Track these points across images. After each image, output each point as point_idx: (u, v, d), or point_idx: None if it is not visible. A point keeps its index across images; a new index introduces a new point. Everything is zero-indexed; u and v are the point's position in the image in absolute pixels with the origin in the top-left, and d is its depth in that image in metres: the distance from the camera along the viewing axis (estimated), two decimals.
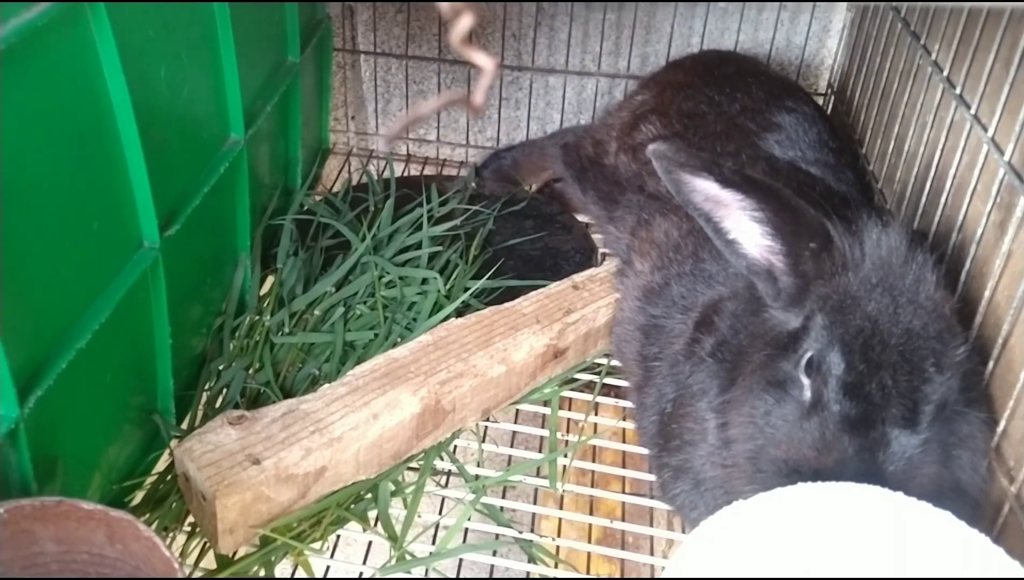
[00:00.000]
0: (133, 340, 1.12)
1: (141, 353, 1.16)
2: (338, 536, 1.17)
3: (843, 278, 0.99)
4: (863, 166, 1.63)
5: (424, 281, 1.47)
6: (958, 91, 1.24)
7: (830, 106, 1.93)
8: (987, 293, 1.09)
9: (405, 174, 2.03)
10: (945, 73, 1.29)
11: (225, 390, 1.31)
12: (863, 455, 0.90)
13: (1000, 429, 1.04)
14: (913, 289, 0.97)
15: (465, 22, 0.39)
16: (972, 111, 1.19)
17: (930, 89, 1.36)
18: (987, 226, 1.11)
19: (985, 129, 1.14)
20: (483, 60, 0.42)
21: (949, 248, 1.19)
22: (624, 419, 1.38)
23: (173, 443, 1.18)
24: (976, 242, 1.13)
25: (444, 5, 0.37)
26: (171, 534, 1.12)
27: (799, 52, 1.95)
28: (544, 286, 1.45)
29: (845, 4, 1.89)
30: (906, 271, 0.98)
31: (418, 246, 1.56)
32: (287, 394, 1.29)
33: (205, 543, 1.11)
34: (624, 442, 1.36)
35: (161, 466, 1.20)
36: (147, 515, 1.14)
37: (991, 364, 1.07)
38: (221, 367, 1.34)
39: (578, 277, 1.48)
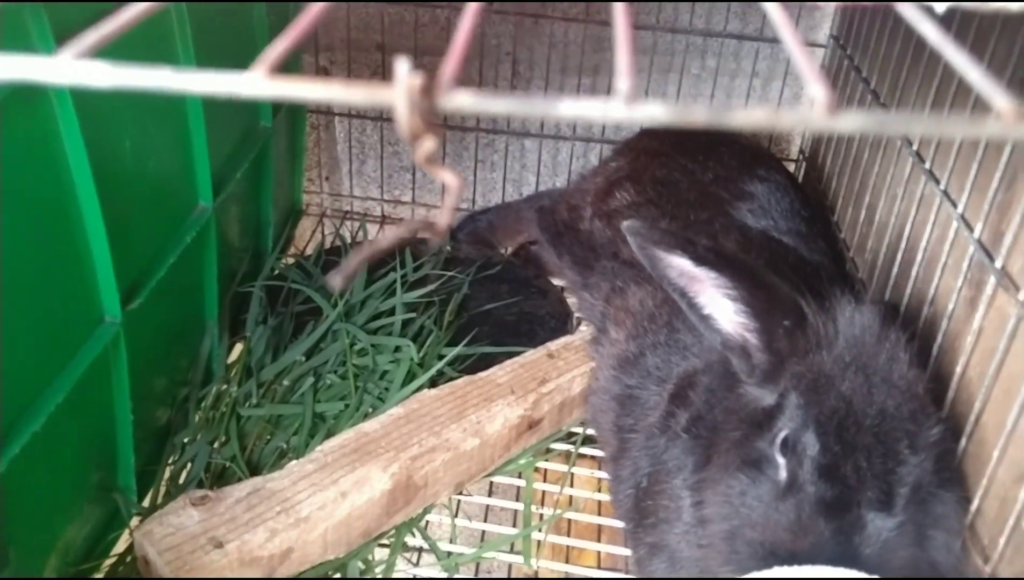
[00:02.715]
0: (93, 417, 1.09)
1: (101, 430, 1.12)
2: None
3: (817, 356, 0.98)
4: (835, 234, 1.64)
5: (397, 349, 1.45)
6: (928, 165, 1.25)
7: (801, 173, 1.95)
8: (959, 369, 1.08)
9: (379, 236, 2.02)
10: (915, 147, 1.31)
11: (189, 465, 1.27)
12: (839, 538, 0.89)
13: (974, 508, 1.03)
14: (886, 368, 0.96)
15: (428, 144, 0.38)
16: (942, 186, 1.19)
17: (900, 162, 1.37)
18: (958, 302, 1.11)
19: (955, 205, 1.14)
20: (449, 178, 0.41)
21: (920, 322, 1.19)
22: (599, 490, 1.36)
23: (133, 523, 1.14)
24: (947, 317, 1.13)
25: (404, 130, 0.36)
26: None
27: None
28: (519, 353, 1.43)
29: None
30: (879, 350, 0.98)
31: (391, 312, 1.54)
32: (254, 468, 1.26)
33: None
34: (599, 514, 1.34)
35: (121, 546, 1.16)
36: None
37: (963, 441, 1.06)
38: (186, 440, 1.30)
39: (553, 345, 1.47)
